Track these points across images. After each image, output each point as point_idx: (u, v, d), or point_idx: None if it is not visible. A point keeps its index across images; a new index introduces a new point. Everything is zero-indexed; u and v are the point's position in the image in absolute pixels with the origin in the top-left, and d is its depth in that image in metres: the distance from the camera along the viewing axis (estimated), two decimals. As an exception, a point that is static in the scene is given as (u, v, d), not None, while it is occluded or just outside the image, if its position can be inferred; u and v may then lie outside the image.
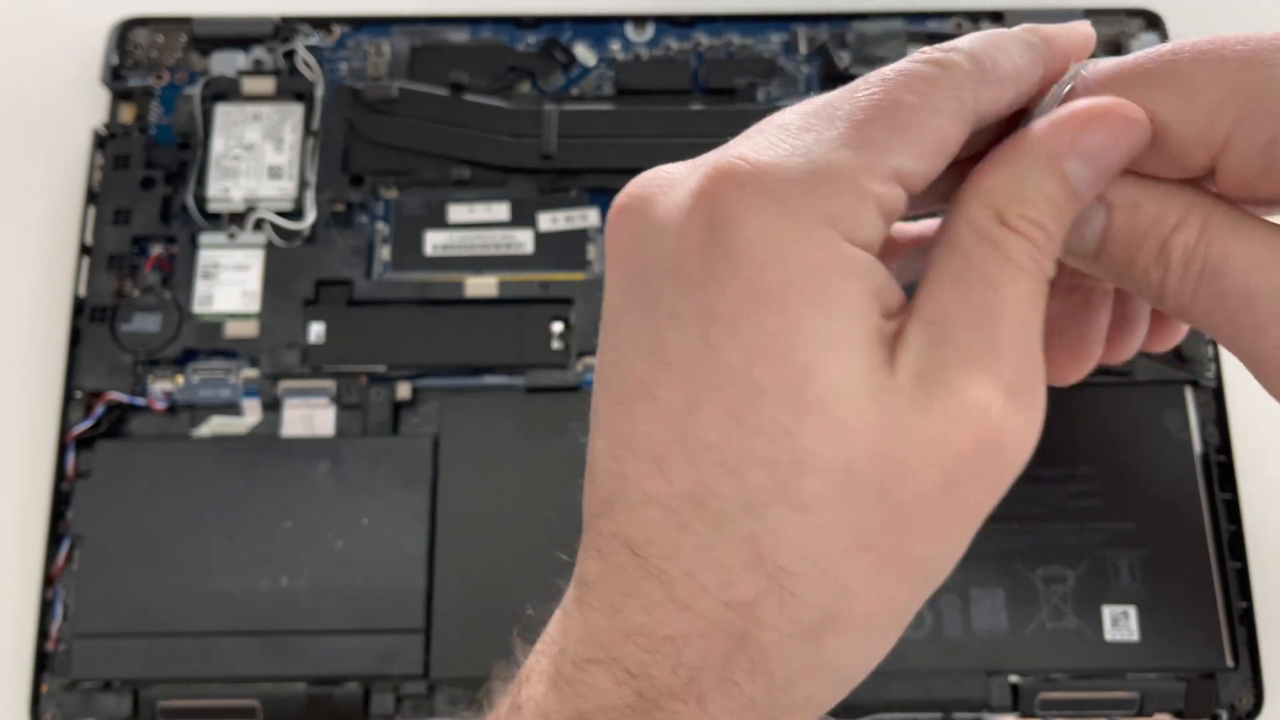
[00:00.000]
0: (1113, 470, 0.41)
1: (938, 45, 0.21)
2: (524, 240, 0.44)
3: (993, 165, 0.21)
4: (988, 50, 0.21)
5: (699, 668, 0.20)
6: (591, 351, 0.42)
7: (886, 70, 0.21)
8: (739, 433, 0.19)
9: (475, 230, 0.44)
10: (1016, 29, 0.23)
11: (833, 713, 0.39)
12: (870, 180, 0.20)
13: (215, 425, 0.42)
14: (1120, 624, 0.39)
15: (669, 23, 0.47)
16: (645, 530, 0.20)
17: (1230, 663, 0.39)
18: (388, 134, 0.45)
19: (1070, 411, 0.41)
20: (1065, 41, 0.23)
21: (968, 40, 0.21)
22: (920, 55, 0.21)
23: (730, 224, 0.20)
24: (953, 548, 0.21)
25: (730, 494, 0.20)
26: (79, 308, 0.42)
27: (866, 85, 0.21)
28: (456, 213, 0.44)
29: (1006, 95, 0.21)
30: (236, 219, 0.44)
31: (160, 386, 0.42)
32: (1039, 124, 0.20)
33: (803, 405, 0.19)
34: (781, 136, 0.20)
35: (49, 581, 0.40)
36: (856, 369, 0.19)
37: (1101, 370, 0.41)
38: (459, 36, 0.47)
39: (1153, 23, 0.47)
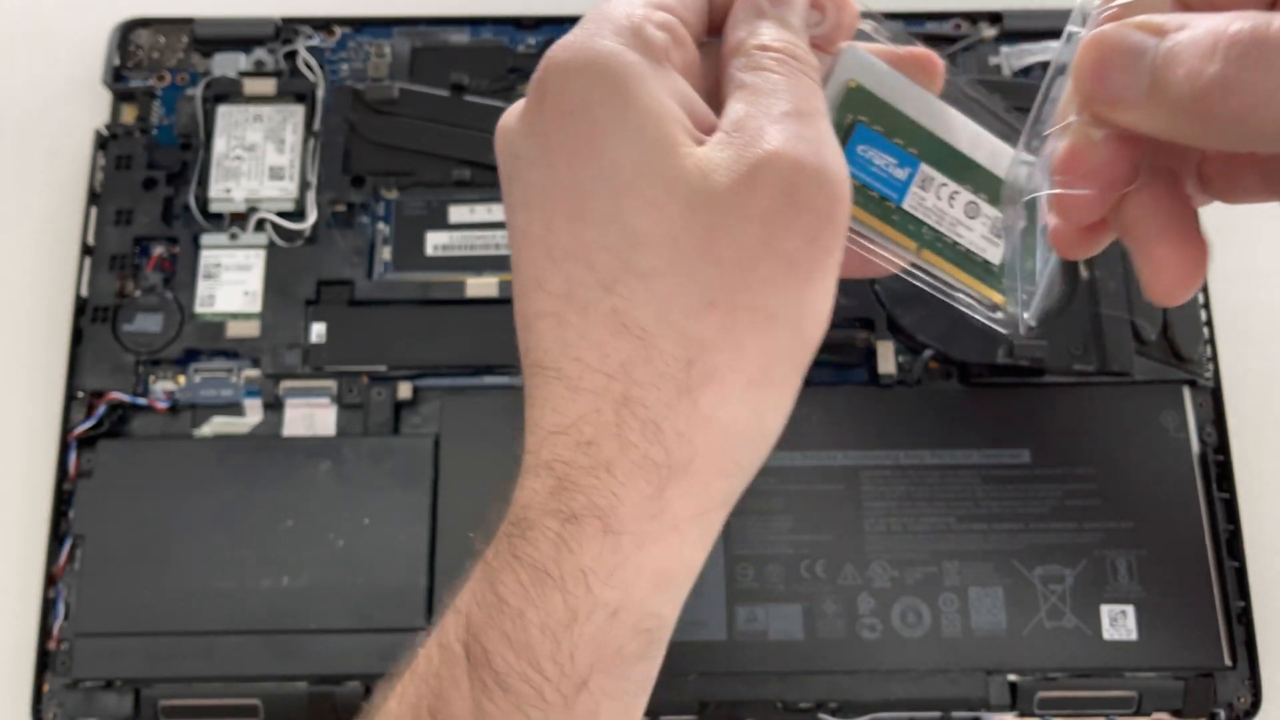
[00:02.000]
0: (1111, 470, 0.41)
1: None
2: (524, 241, 0.44)
3: (734, 17, 0.27)
4: None
5: (597, 438, 0.24)
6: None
7: None
8: (582, 229, 0.24)
9: (475, 231, 0.44)
10: None
11: (832, 711, 0.39)
12: (650, 10, 0.26)
13: (217, 425, 0.42)
14: (1118, 623, 0.39)
15: (669, 24, 0.47)
16: (542, 342, 0.25)
17: (1228, 662, 0.39)
18: (389, 135, 0.45)
19: (1069, 411, 0.42)
20: None
21: None
22: None
23: (547, 84, 0.25)
24: (794, 297, 0.25)
25: (589, 281, 0.24)
26: (81, 308, 0.43)
27: None
28: (457, 213, 0.44)
29: None
30: (238, 219, 0.44)
31: (162, 386, 0.42)
32: None
33: (619, 191, 0.24)
34: (585, 21, 0.26)
35: (51, 581, 0.40)
36: (659, 154, 0.24)
37: (1100, 370, 0.42)
38: (459, 38, 0.47)
39: (1151, 24, 0.48)
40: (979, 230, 0.28)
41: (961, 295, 0.29)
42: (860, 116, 0.27)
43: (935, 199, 0.28)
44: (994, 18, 0.47)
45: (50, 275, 0.44)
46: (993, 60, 0.47)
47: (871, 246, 0.28)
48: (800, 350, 0.25)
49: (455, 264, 0.44)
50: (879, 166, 0.28)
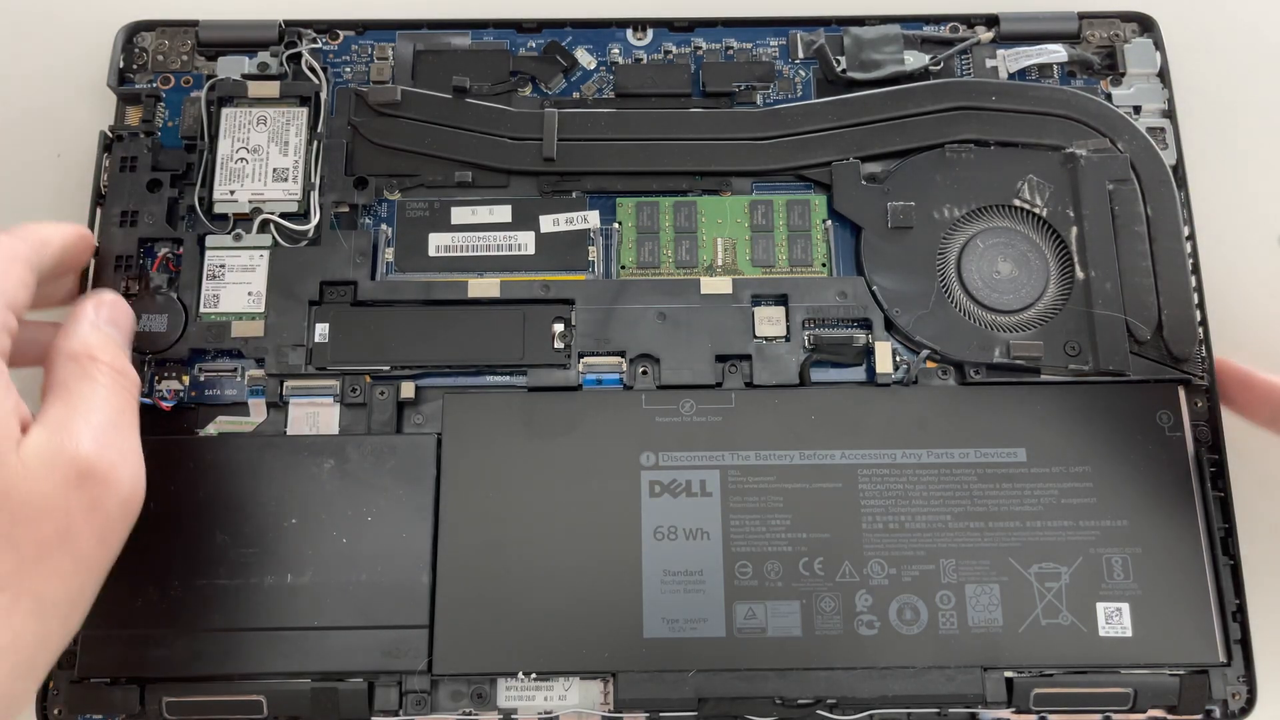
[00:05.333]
0: (1106, 468, 0.41)
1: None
2: (525, 241, 0.45)
3: (72, 324, 0.35)
4: (25, 226, 0.36)
5: None
6: (591, 352, 0.43)
7: None
8: None
9: (478, 232, 0.45)
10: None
11: (830, 707, 0.39)
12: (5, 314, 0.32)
13: (221, 424, 0.42)
14: (1114, 620, 0.40)
15: (668, 28, 0.48)
16: None
17: (1223, 658, 0.39)
18: (392, 137, 0.45)
19: (1064, 410, 0.42)
20: (68, 233, 0.38)
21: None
22: None
23: None
24: (76, 588, 0.31)
25: None
26: (87, 308, 0.43)
27: None
28: (459, 215, 0.45)
29: (47, 257, 0.36)
30: (242, 221, 0.44)
31: (167, 386, 0.42)
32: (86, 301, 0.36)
33: None
34: None
35: (57, 578, 0.40)
36: None
37: (1095, 370, 0.42)
38: (461, 41, 0.48)
39: (1145, 26, 0.48)
40: None
41: None
42: None
43: None
44: (990, 21, 0.48)
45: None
46: (990, 63, 0.47)
47: None
48: (59, 640, 0.32)
49: (457, 265, 0.44)
50: None
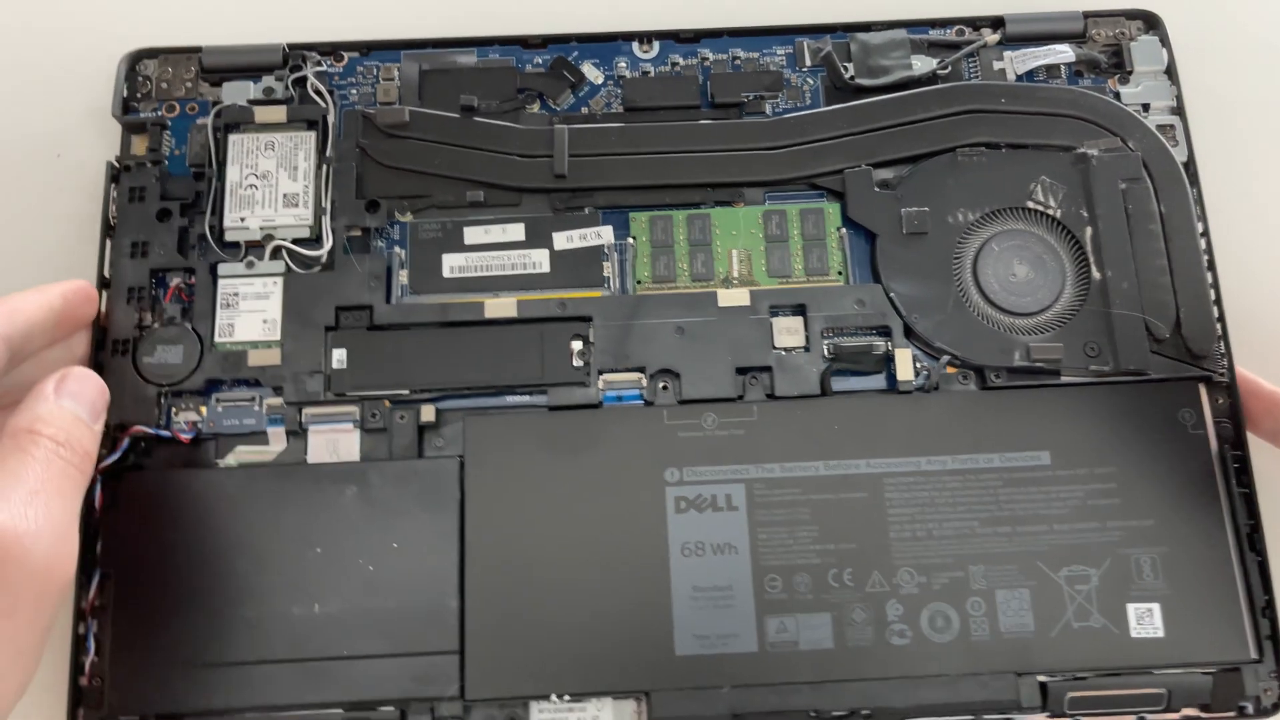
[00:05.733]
0: (1131, 469, 0.41)
1: None
2: (540, 260, 0.44)
3: (27, 400, 0.35)
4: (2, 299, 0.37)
5: None
6: (611, 369, 0.42)
7: None
8: None
9: (491, 251, 0.44)
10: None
11: (865, 718, 0.39)
12: None
13: (241, 454, 0.42)
14: (1145, 621, 0.40)
15: (674, 39, 0.48)
16: None
17: (1254, 655, 0.39)
18: (401, 158, 0.45)
19: (1086, 411, 0.42)
20: (64, 292, 0.39)
21: None
22: None
23: None
24: None
25: None
26: (100, 341, 0.43)
27: None
28: (472, 235, 0.45)
29: (19, 323, 0.37)
30: (254, 248, 0.44)
31: (185, 417, 0.42)
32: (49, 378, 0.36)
33: None
34: None
35: (81, 616, 0.40)
36: None
37: (1116, 370, 0.42)
38: (467, 59, 0.47)
39: (1151, 24, 0.48)
40: None
41: None
42: None
43: None
44: (996, 23, 0.48)
45: (68, 309, 0.44)
46: (997, 65, 0.47)
47: None
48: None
49: (472, 285, 0.44)
50: None
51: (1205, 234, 0.44)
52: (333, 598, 0.40)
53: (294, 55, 0.47)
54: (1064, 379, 0.43)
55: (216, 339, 0.43)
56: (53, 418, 0.34)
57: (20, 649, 0.32)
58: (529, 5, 0.51)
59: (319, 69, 0.47)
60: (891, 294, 0.43)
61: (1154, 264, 0.43)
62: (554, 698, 0.39)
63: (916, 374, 0.43)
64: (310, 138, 0.45)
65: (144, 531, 0.40)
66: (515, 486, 0.41)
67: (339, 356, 0.42)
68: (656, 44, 0.48)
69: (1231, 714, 0.40)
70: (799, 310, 0.43)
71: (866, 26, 0.48)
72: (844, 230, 0.45)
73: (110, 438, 0.41)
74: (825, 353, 0.43)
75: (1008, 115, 0.45)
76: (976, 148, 0.45)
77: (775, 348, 0.43)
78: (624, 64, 0.47)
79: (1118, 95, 0.47)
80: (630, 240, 0.45)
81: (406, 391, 0.42)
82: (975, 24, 0.48)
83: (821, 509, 0.41)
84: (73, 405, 0.35)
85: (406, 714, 0.39)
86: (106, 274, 0.44)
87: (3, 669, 0.31)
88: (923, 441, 0.42)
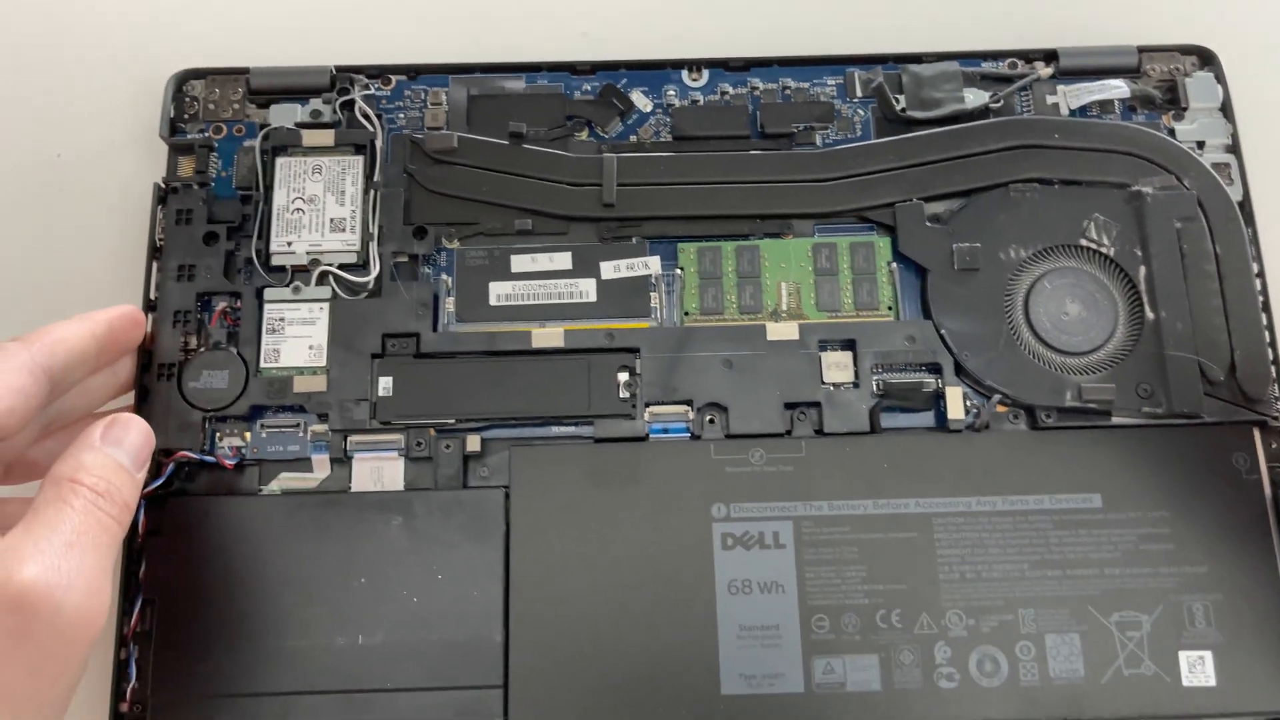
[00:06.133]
0: (1184, 513, 0.41)
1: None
2: (586, 289, 0.44)
3: (72, 446, 0.34)
4: (41, 329, 0.36)
5: None
6: (658, 401, 0.42)
7: None
8: None
9: (538, 280, 0.44)
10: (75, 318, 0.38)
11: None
12: None
13: (284, 480, 0.42)
14: (1197, 669, 0.39)
15: (723, 68, 0.47)
16: None
17: (1308, 706, 0.39)
18: (449, 184, 0.45)
19: (1139, 454, 0.41)
20: (110, 320, 0.38)
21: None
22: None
23: None
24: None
25: None
26: (146, 364, 0.42)
27: None
28: (519, 263, 0.44)
29: (60, 354, 0.36)
30: (300, 273, 0.44)
31: (229, 443, 0.42)
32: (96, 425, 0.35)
33: None
34: None
35: (123, 641, 0.40)
36: None
37: (1169, 413, 0.42)
38: (515, 85, 0.47)
39: (1206, 60, 0.48)
40: None
41: None
42: None
43: None
44: (1049, 56, 0.47)
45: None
46: (1050, 99, 0.47)
47: None
48: None
49: (519, 314, 0.44)
50: None
51: (1261, 275, 0.44)
52: (377, 629, 0.39)
53: (341, 78, 0.47)
54: (1115, 420, 0.42)
55: (262, 364, 0.42)
56: (95, 466, 0.34)
57: (42, 706, 0.31)
58: (577, 31, 0.50)
59: (366, 92, 0.47)
60: (943, 330, 0.43)
61: (1208, 305, 0.43)
62: (598, 735, 0.39)
63: (966, 412, 0.42)
64: (358, 162, 0.45)
65: (187, 557, 0.40)
66: (560, 518, 0.41)
67: (385, 384, 0.42)
68: (706, 72, 0.47)
69: (1283, 764, 0.39)
70: (849, 345, 0.43)
71: (918, 58, 0.47)
72: (894, 264, 0.44)
73: (155, 462, 0.41)
74: (875, 389, 0.42)
75: (1061, 151, 0.45)
76: (1029, 183, 0.45)
77: (824, 383, 0.42)
78: (673, 92, 0.47)
79: (1172, 132, 0.46)
80: (678, 271, 0.44)
81: (452, 420, 0.42)
82: (1028, 57, 0.47)
83: (870, 548, 0.40)
84: (117, 452, 0.35)
85: (449, 748, 0.39)
86: (152, 296, 0.43)
87: None
88: (973, 481, 0.41)
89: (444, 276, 0.44)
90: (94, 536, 0.32)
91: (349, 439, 0.42)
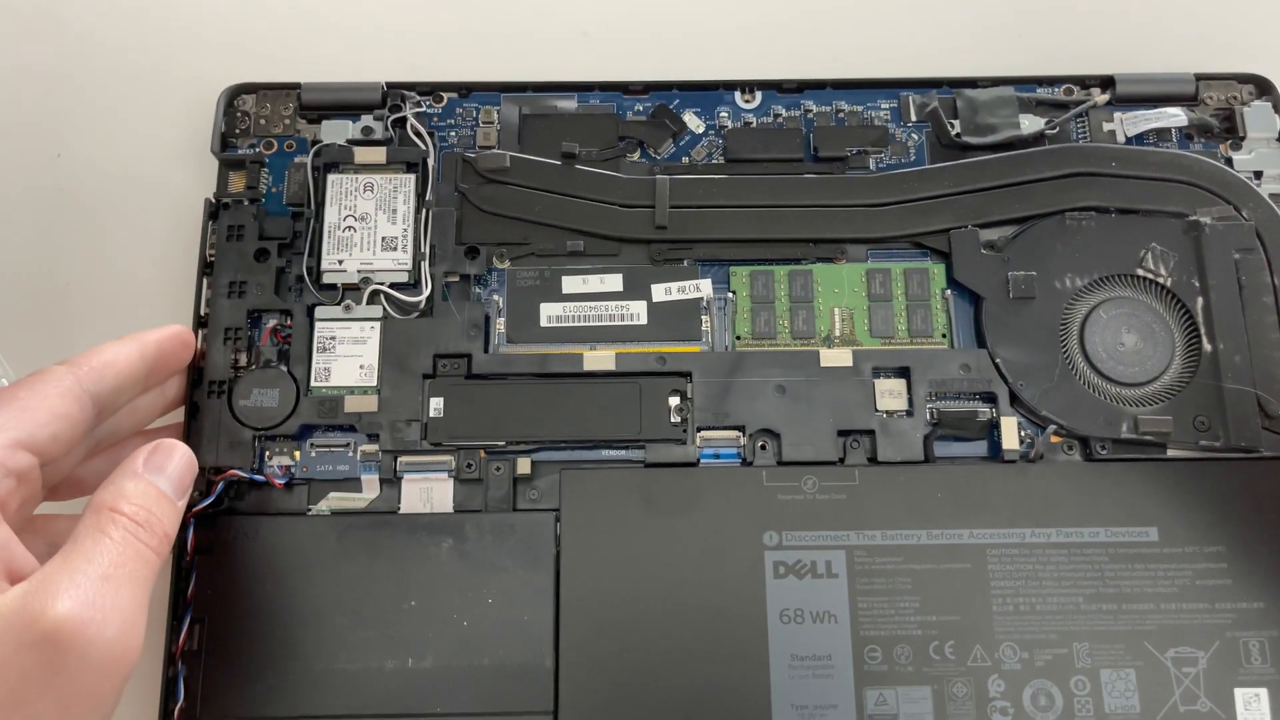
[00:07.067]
0: (1240, 548, 0.40)
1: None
2: (638, 311, 0.44)
3: (115, 473, 0.34)
4: (90, 351, 0.36)
5: None
6: (710, 426, 0.42)
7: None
8: None
9: (589, 301, 0.44)
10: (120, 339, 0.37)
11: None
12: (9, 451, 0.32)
13: (333, 500, 0.42)
14: (1253, 707, 0.39)
15: (776, 90, 0.47)
16: None
17: (1366, 747, 0.38)
18: (501, 204, 0.45)
19: (1195, 487, 0.41)
20: (160, 341, 0.38)
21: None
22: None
23: None
24: None
25: None
26: (197, 381, 0.42)
27: None
28: (570, 284, 0.44)
29: (108, 378, 0.36)
30: (351, 291, 0.43)
31: (279, 461, 0.42)
32: (139, 453, 0.35)
33: None
34: None
35: (171, 660, 0.40)
36: None
37: (1226, 446, 0.41)
38: (567, 104, 0.47)
39: (1264, 89, 0.47)
40: None
41: None
42: None
43: None
44: (1106, 82, 0.47)
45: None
46: (1107, 126, 0.46)
47: None
48: None
49: (569, 335, 0.43)
50: None
51: (1319, 308, 0.43)
52: (427, 653, 0.39)
53: (393, 94, 0.46)
54: (1171, 453, 0.42)
55: (312, 383, 0.42)
56: (136, 495, 0.33)
57: None
58: (630, 50, 0.50)
59: (418, 110, 0.46)
60: (998, 359, 0.42)
61: (1267, 338, 0.42)
62: (649, 764, 0.38)
63: (1021, 442, 0.42)
64: (410, 180, 0.45)
65: (236, 576, 0.40)
66: (611, 544, 0.40)
67: (436, 405, 0.42)
68: (759, 94, 0.47)
69: (1339, 805, 0.39)
70: (903, 373, 0.43)
71: (973, 83, 0.47)
72: (949, 292, 0.44)
73: (205, 480, 0.41)
74: (929, 417, 0.42)
75: (1118, 179, 0.45)
76: (1086, 211, 0.44)
77: (877, 410, 0.42)
78: (725, 114, 0.47)
79: (1229, 161, 0.46)
80: (730, 294, 0.44)
81: (503, 442, 0.42)
82: (1084, 83, 0.47)
83: (923, 579, 0.40)
84: (159, 480, 0.34)
85: (498, 774, 0.39)
86: (203, 313, 0.43)
87: None
88: (1027, 513, 0.41)
89: (495, 297, 0.44)
90: (131, 569, 0.32)
91: (399, 459, 0.42)
